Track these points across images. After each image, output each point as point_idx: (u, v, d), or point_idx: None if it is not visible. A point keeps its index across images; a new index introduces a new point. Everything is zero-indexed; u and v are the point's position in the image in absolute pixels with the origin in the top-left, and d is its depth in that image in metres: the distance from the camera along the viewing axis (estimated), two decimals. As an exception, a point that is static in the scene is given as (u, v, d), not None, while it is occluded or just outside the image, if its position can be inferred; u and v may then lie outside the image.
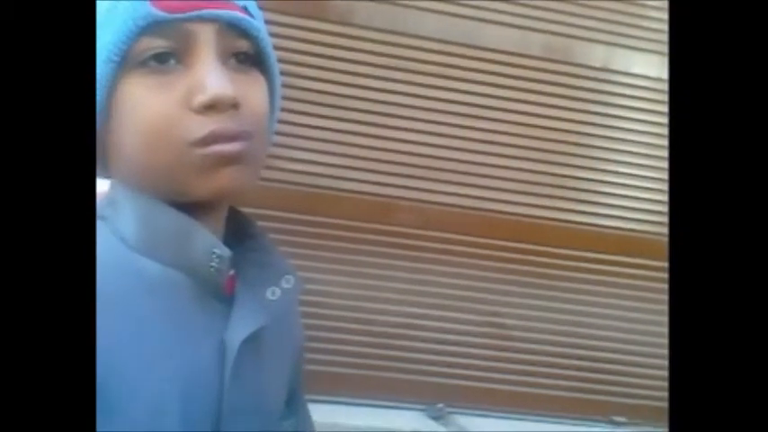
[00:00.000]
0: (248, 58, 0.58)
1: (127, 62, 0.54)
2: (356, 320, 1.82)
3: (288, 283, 0.62)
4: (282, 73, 0.66)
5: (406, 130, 1.84)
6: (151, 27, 0.54)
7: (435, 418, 1.80)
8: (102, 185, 0.61)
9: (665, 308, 1.69)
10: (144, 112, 0.54)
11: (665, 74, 1.93)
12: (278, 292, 0.61)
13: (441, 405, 1.82)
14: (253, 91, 0.58)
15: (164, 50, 0.54)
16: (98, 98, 0.55)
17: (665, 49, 1.88)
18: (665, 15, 1.87)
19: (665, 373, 1.88)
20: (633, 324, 1.95)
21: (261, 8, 0.64)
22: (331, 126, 1.80)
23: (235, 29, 0.57)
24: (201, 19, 0.55)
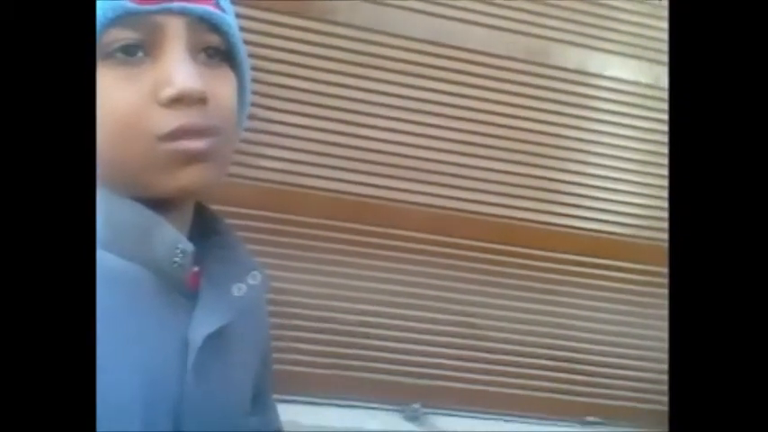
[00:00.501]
0: (218, 52, 0.58)
1: (96, 53, 0.53)
2: (330, 320, 1.81)
3: (254, 279, 0.62)
4: (261, 69, 0.65)
5: (381, 129, 1.84)
6: (121, 18, 0.53)
7: (411, 419, 1.80)
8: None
9: (641, 309, 1.72)
10: (111, 104, 0.53)
11: (641, 77, 1.95)
12: (244, 288, 0.61)
13: (417, 405, 1.82)
14: (222, 86, 0.58)
15: (132, 42, 0.54)
16: None
17: (641, 52, 1.92)
18: (642, 19, 1.90)
19: (642, 374, 1.92)
20: (607, 325, 1.97)
21: (242, 4, 0.63)
22: (304, 123, 1.79)
23: (205, 23, 0.56)
24: (172, 12, 0.54)
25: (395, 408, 1.84)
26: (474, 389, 1.89)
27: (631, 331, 1.95)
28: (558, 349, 1.95)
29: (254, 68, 0.64)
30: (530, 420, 1.92)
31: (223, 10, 0.58)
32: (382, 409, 1.83)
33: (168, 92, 0.53)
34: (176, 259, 0.56)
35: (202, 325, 0.57)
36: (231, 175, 1.68)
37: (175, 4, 0.54)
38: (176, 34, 0.55)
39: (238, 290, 0.61)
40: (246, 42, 0.62)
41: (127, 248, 0.56)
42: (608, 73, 1.95)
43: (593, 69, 1.95)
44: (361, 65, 1.82)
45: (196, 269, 0.60)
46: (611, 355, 1.97)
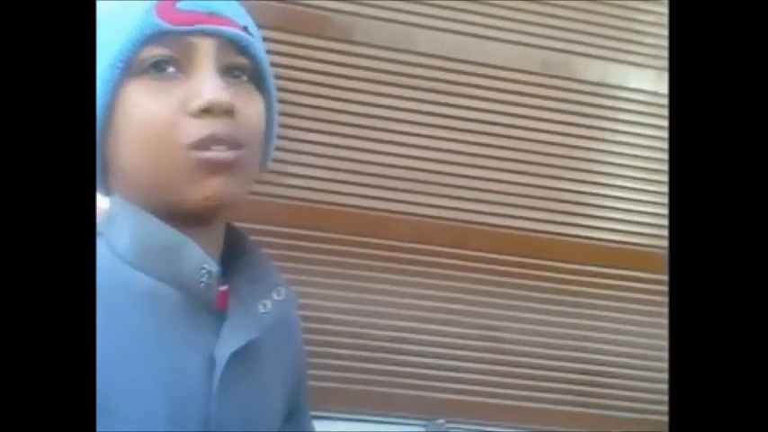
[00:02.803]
0: (245, 73, 0.61)
1: (131, 69, 0.57)
2: (355, 335, 1.82)
3: (279, 294, 0.64)
4: (281, 89, 0.67)
5: (402, 144, 1.85)
6: (155, 37, 0.56)
7: (436, 434, 1.80)
8: (102, 203, 0.62)
9: (666, 321, 1.68)
10: (143, 115, 0.56)
11: (661, 88, 1.94)
12: (269, 304, 0.62)
13: (441, 420, 1.82)
14: (249, 103, 0.60)
15: (165, 59, 0.57)
16: (101, 103, 0.57)
17: (661, 63, 1.91)
18: (661, 30, 1.89)
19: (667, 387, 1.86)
20: (634, 337, 1.95)
21: (261, 25, 0.66)
22: (327, 141, 1.81)
23: (234, 45, 0.60)
24: (204, 33, 0.58)
25: (419, 422, 1.83)
26: (499, 403, 1.88)
27: (659, 344, 1.92)
28: (583, 362, 1.93)
29: (279, 89, 0.67)
30: (556, 435, 1.90)
31: (251, 35, 0.61)
32: (406, 424, 1.82)
33: (198, 102, 0.56)
34: (203, 279, 0.58)
35: (228, 343, 0.58)
36: (259, 194, 1.71)
37: (207, 26, 0.58)
38: (207, 53, 0.58)
39: (264, 306, 0.62)
40: (271, 63, 0.65)
41: (156, 268, 0.58)
42: (630, 85, 1.95)
43: (614, 81, 1.95)
44: (383, 83, 1.84)
45: (225, 288, 0.62)
46: (637, 368, 1.94)
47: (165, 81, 0.57)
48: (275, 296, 0.63)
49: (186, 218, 0.58)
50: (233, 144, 0.57)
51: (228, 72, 0.59)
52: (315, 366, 1.72)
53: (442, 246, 1.87)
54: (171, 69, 0.57)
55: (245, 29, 0.61)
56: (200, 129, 0.56)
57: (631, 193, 1.96)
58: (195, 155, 0.56)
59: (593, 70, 1.94)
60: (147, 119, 0.56)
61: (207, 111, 0.56)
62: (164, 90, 0.57)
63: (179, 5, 0.57)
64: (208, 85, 0.56)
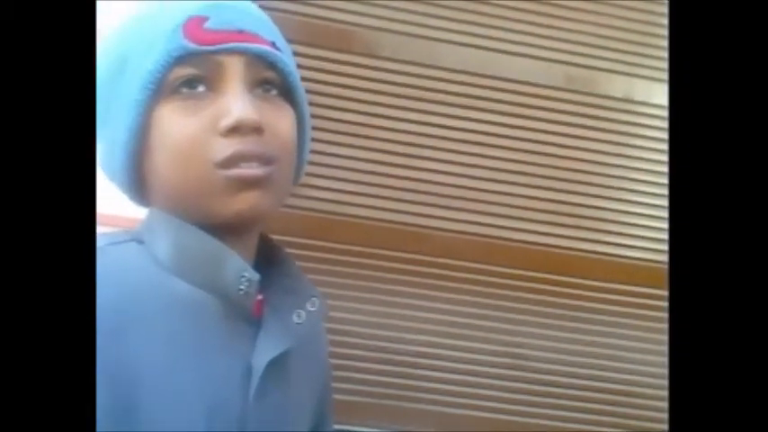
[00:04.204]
0: (275, 88, 0.63)
1: (162, 89, 0.59)
2: (381, 349, 1.82)
3: (313, 305, 0.65)
4: (309, 103, 0.69)
5: (429, 159, 1.86)
6: (184, 58, 0.58)
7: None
8: (141, 213, 0.64)
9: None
10: (173, 134, 0.58)
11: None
12: (303, 315, 0.64)
13: (463, 436, 1.81)
14: (278, 118, 0.62)
15: (195, 78, 0.59)
16: (135, 123, 0.59)
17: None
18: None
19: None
20: (660, 357, 1.92)
21: (285, 39, 0.68)
22: (352, 154, 1.82)
23: (262, 61, 0.61)
24: (231, 51, 0.59)
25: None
26: (521, 421, 1.86)
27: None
28: (609, 381, 1.90)
29: (310, 103, 0.69)
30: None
31: (280, 50, 0.63)
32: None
33: (226, 121, 0.58)
34: (242, 287, 0.59)
35: (265, 351, 0.60)
36: (287, 206, 1.72)
37: (234, 45, 0.59)
38: (235, 71, 0.59)
39: (298, 317, 0.64)
40: (301, 78, 0.66)
41: (196, 276, 0.59)
42: (654, 101, 1.93)
43: (639, 97, 1.93)
44: (407, 97, 1.85)
45: (260, 297, 0.63)
46: (663, 387, 1.91)
47: (196, 100, 0.59)
48: (309, 307, 0.65)
49: (220, 229, 0.60)
50: (263, 160, 0.59)
51: (259, 86, 0.61)
52: (340, 380, 1.72)
53: (469, 261, 1.86)
54: (201, 88, 0.59)
55: (272, 44, 0.62)
56: (227, 147, 0.58)
57: (659, 211, 1.93)
58: (224, 173, 0.58)
59: (617, 86, 1.93)
60: (179, 138, 0.58)
61: (235, 129, 0.57)
62: (194, 109, 0.58)
63: (207, 25, 0.58)
64: (236, 104, 0.58)
